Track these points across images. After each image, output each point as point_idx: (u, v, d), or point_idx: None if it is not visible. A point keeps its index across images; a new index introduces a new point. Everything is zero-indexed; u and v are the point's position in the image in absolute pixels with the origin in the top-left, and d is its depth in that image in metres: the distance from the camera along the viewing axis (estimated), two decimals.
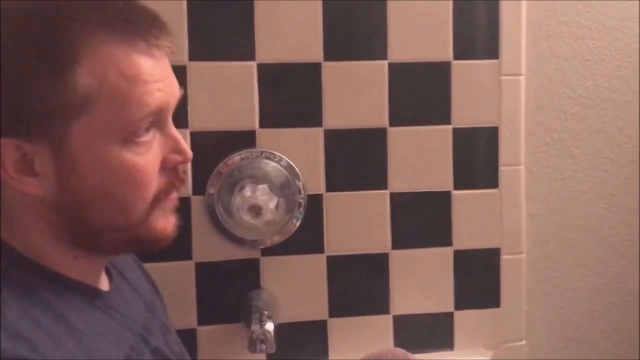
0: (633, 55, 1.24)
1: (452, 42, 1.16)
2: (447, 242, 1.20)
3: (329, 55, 1.13)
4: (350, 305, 1.18)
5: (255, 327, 1.03)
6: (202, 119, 1.11)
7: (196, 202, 1.12)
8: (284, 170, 1.13)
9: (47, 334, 0.60)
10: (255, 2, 1.10)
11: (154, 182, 0.67)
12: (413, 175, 1.17)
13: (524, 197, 1.22)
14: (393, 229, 1.18)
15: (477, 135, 1.19)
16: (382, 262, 1.18)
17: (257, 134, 1.13)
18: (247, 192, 1.08)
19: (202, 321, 1.14)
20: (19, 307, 0.60)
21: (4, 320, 0.58)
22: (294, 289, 1.16)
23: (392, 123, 1.16)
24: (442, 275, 1.20)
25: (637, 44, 1.24)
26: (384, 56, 1.15)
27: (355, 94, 1.15)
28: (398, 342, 1.20)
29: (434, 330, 1.21)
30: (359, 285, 1.18)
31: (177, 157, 0.70)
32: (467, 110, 1.18)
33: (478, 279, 1.21)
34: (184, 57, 1.09)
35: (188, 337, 1.10)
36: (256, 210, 1.07)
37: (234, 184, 1.10)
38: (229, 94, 1.11)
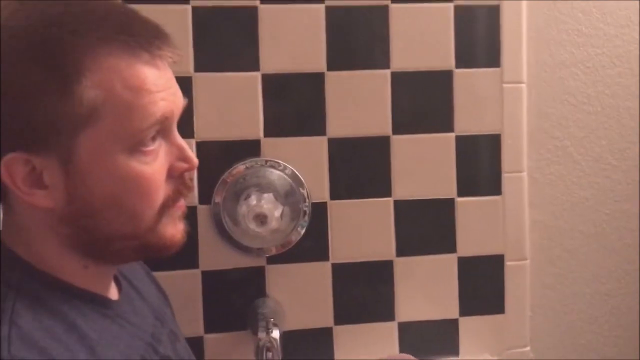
0: (633, 61, 1.25)
1: (454, 50, 1.17)
2: (452, 248, 1.20)
3: (332, 65, 1.14)
4: (356, 313, 1.19)
5: (261, 334, 1.03)
6: (207, 129, 1.12)
7: (202, 211, 1.13)
8: (289, 179, 1.14)
9: (61, 344, 0.61)
10: (259, 13, 1.12)
11: (161, 190, 0.68)
12: (417, 183, 1.18)
13: (527, 204, 1.22)
14: (397, 236, 1.18)
15: (479, 143, 1.20)
16: (387, 269, 1.19)
17: (261, 143, 1.14)
18: (253, 200, 1.09)
19: (208, 329, 1.15)
20: (34, 318, 0.61)
21: (19, 331, 0.59)
22: (300, 297, 1.17)
23: (395, 131, 1.17)
24: (447, 281, 1.20)
25: (638, 51, 1.25)
26: (386, 65, 1.16)
27: (358, 103, 1.16)
28: (403, 349, 1.20)
29: (439, 336, 1.21)
30: (364, 293, 1.19)
31: (183, 165, 0.70)
32: (469, 118, 1.18)
33: (482, 285, 1.21)
34: (189, 68, 1.10)
35: (195, 345, 1.11)
36: (261, 218, 1.08)
37: (239, 192, 1.11)
38: (234, 104, 1.13)
